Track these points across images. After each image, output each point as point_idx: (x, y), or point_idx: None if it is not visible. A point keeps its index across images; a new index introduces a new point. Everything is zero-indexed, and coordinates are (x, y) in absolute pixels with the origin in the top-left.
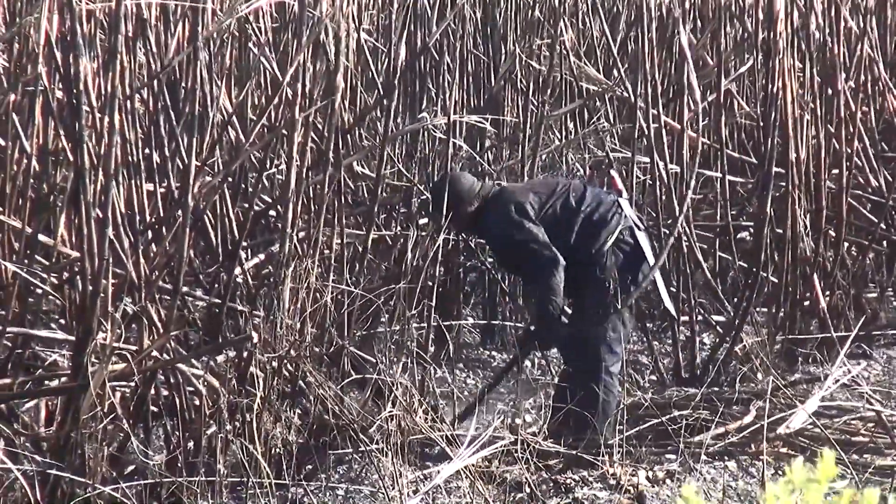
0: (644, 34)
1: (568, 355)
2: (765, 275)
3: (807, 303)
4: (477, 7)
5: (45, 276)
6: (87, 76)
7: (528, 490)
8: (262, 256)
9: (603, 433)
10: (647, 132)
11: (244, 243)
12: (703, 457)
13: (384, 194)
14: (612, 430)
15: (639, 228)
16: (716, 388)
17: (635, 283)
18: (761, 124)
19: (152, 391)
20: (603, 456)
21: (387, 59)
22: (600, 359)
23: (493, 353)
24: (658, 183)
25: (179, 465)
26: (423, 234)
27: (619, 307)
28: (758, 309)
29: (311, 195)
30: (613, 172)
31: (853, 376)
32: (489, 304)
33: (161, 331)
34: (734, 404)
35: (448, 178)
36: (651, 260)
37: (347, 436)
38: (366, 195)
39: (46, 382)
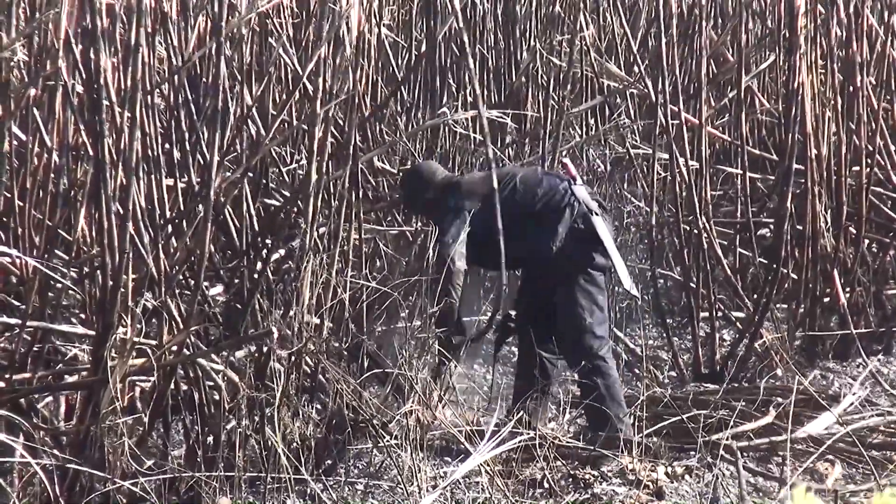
0: (665, 31)
1: (562, 352)
2: (785, 271)
3: (827, 299)
4: (498, 2)
5: (65, 270)
6: (107, 71)
7: (546, 485)
8: (282, 252)
9: (618, 416)
10: (667, 129)
11: (265, 238)
12: (723, 453)
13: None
14: (624, 414)
15: (594, 213)
16: (735, 384)
17: (594, 267)
18: (782, 121)
19: (172, 386)
20: (621, 444)
21: (407, 54)
22: (586, 347)
23: (513, 347)
24: (678, 179)
25: (198, 459)
26: None
27: (590, 292)
28: (778, 305)
29: (332, 190)
30: (566, 160)
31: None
32: (508, 299)
33: (181, 326)
34: (754, 402)
35: (412, 166)
36: (609, 244)
37: (366, 431)
38: (386, 190)
39: (66, 377)
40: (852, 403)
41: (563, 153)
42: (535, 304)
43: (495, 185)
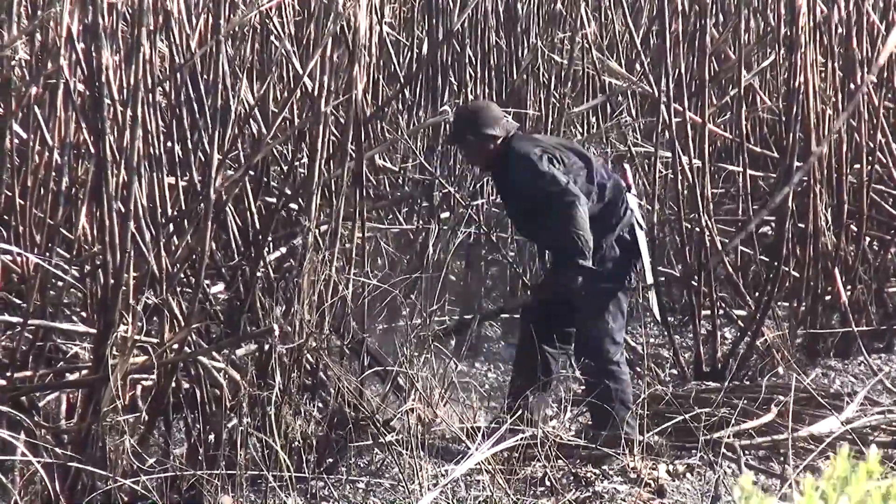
0: (667, 28)
1: (577, 351)
2: (786, 269)
3: (828, 297)
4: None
5: (66, 268)
6: (108, 69)
7: (548, 484)
8: (283, 250)
9: (626, 422)
10: (669, 126)
11: (266, 237)
12: (724, 451)
13: (406, 188)
14: (633, 418)
15: (640, 227)
16: (737, 383)
17: (628, 279)
18: (783, 119)
19: (173, 384)
20: (627, 448)
21: (409, 52)
22: (604, 351)
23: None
24: (680, 177)
25: (200, 458)
26: (445, 227)
27: (619, 299)
28: (779, 303)
29: (333, 188)
30: (626, 166)
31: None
32: (510, 297)
33: (182, 324)
34: (756, 400)
35: (474, 105)
36: (647, 261)
37: (367, 429)
38: (387, 188)
39: (68, 375)
40: (857, 409)
41: (624, 159)
42: (556, 299)
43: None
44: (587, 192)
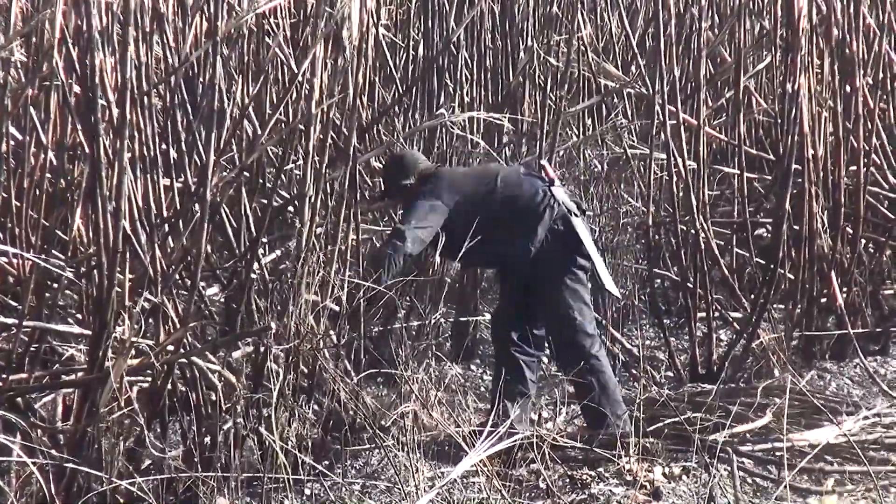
0: (662, 30)
1: (556, 354)
2: (782, 271)
3: (824, 299)
4: (495, 2)
5: (62, 270)
6: (103, 70)
7: (544, 486)
8: (279, 252)
9: (618, 417)
10: (664, 129)
11: (262, 239)
12: (720, 454)
13: None
14: (620, 409)
15: (574, 215)
16: (732, 385)
17: (577, 266)
18: (779, 121)
19: (169, 385)
20: (622, 448)
21: (405, 55)
22: (580, 346)
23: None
24: (675, 179)
25: (196, 459)
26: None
27: (577, 290)
28: (775, 305)
29: (329, 191)
30: (544, 162)
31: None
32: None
33: (178, 325)
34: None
35: (398, 152)
36: (589, 244)
37: (364, 431)
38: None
39: (63, 376)
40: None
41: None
42: (514, 306)
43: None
44: (491, 215)
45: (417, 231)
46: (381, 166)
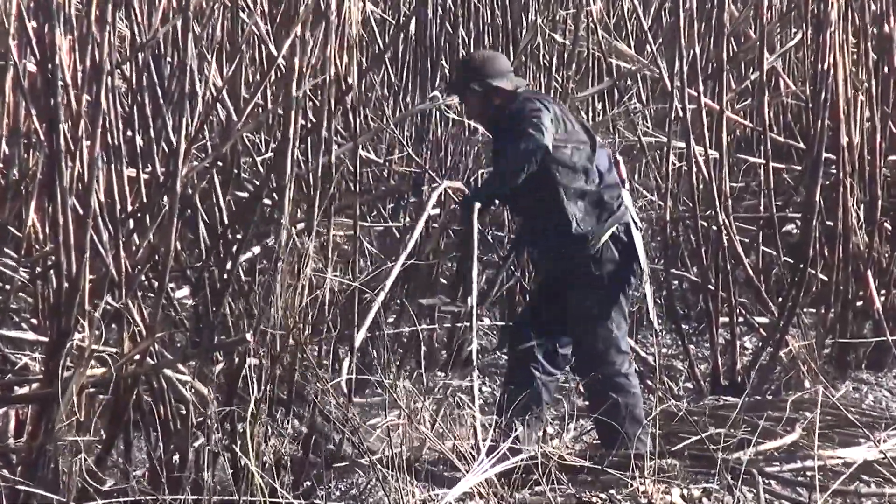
0: (681, 5)
1: (579, 366)
2: (813, 272)
3: (860, 303)
4: None
5: (15, 270)
6: (62, 50)
7: None
8: (256, 250)
9: (637, 438)
10: (683, 114)
11: (237, 235)
12: (744, 475)
13: (391, 181)
14: (646, 435)
15: (637, 227)
16: (758, 398)
17: (628, 282)
18: (810, 105)
19: (134, 399)
20: (637, 470)
21: (394, 32)
22: (609, 362)
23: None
24: (695, 170)
25: (163, 480)
26: (435, 225)
27: (622, 304)
28: (805, 309)
29: (311, 182)
30: (619, 158)
31: None
32: (507, 303)
33: (144, 332)
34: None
35: (482, 53)
36: (644, 263)
37: (349, 447)
38: (371, 182)
39: (16, 389)
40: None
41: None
42: (542, 315)
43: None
44: (585, 170)
45: (541, 142)
46: (462, 71)
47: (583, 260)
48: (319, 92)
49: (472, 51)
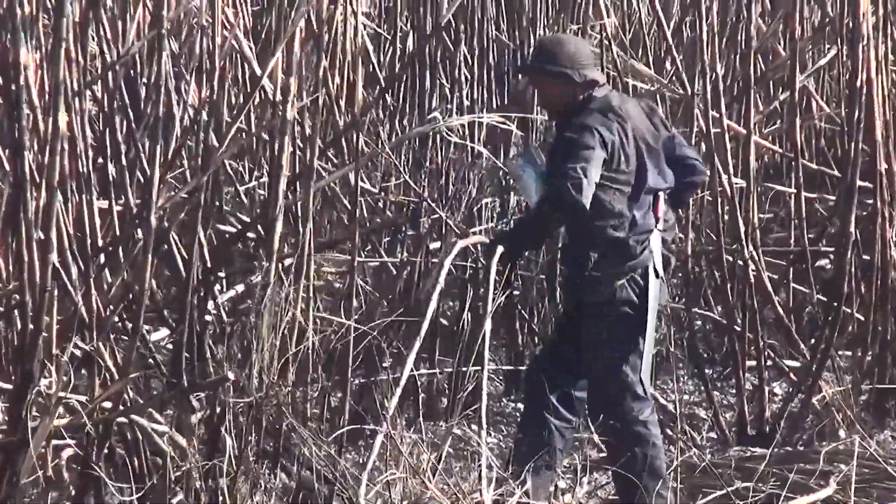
0: (703, 19)
1: (594, 412)
2: (848, 310)
3: None
4: None
5: None
6: (27, 69)
7: None
8: (239, 288)
9: (657, 493)
10: (706, 138)
11: (218, 272)
12: None
13: (388, 212)
14: (666, 489)
15: (658, 276)
16: (788, 449)
17: (644, 324)
18: (845, 128)
19: (106, 450)
20: None
21: (391, 49)
22: (627, 409)
23: (520, 405)
24: (719, 199)
25: None
26: (435, 261)
27: (639, 343)
28: (840, 352)
29: (300, 214)
30: (662, 193)
31: None
32: (514, 346)
33: (116, 377)
34: (812, 470)
35: (570, 37)
36: (651, 319)
37: None
38: (365, 213)
39: None
40: None
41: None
42: (561, 355)
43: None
44: (619, 215)
45: (582, 177)
46: (541, 52)
47: (596, 298)
48: (309, 114)
49: (550, 33)
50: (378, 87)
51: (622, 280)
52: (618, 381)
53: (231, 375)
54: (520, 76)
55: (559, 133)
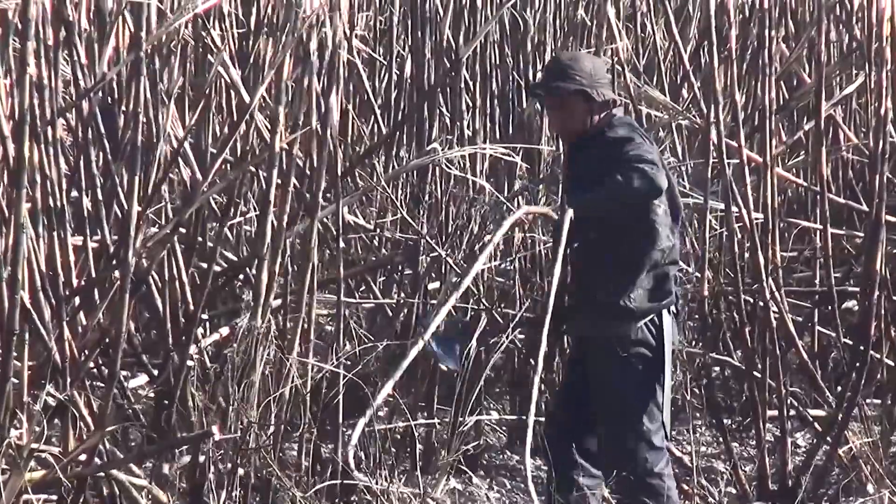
0: (721, 43)
1: (606, 463)
2: (877, 356)
3: None
4: (504, 6)
5: None
6: None
7: None
8: (223, 331)
9: None
10: (724, 171)
11: (202, 315)
12: None
13: (383, 250)
14: None
15: (672, 314)
16: None
17: (662, 369)
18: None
19: None
20: None
21: (387, 74)
22: (640, 459)
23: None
24: (738, 236)
25: None
26: (434, 302)
27: (654, 389)
28: (868, 400)
29: (290, 252)
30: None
31: None
32: (519, 394)
33: (92, 427)
34: None
35: (584, 55)
36: (668, 351)
37: None
38: (359, 251)
39: None
40: None
41: None
42: (576, 404)
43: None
44: (667, 237)
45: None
46: (553, 72)
47: (613, 332)
48: (300, 146)
49: (560, 52)
50: (373, 116)
51: (651, 316)
52: (634, 431)
53: (215, 430)
54: (527, 102)
55: (599, 154)
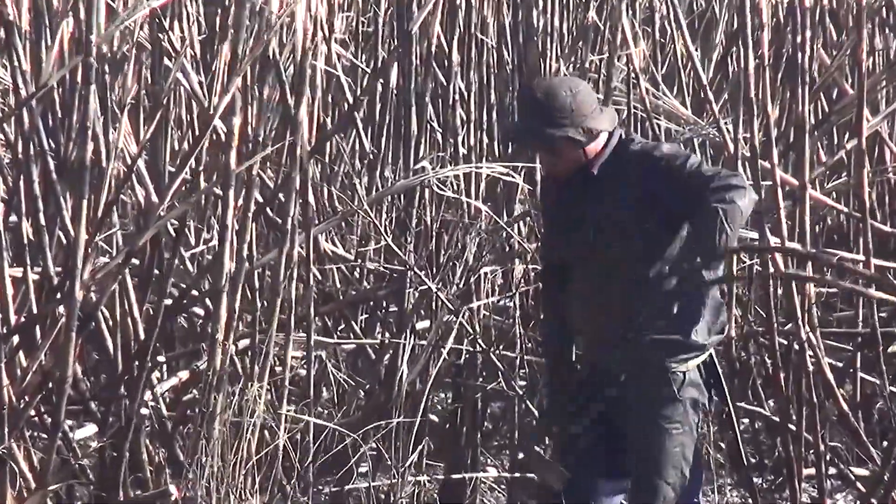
0: (751, 50)
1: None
2: None
3: None
4: (504, 7)
5: None
6: None
7: None
8: (182, 375)
9: None
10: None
11: (158, 356)
12: None
13: (365, 284)
14: None
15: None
16: None
17: (705, 415)
18: None
19: None
20: None
21: (371, 82)
22: None
23: None
24: (771, 269)
25: None
26: (423, 343)
27: (685, 444)
28: None
29: (257, 285)
30: None
31: None
32: (518, 447)
33: (33, 485)
34: None
35: (563, 79)
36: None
37: None
38: (337, 284)
39: None
40: None
41: None
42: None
43: None
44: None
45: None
46: (530, 103)
47: (667, 374)
48: (270, 164)
49: (535, 83)
50: (354, 130)
51: (711, 350)
52: (672, 483)
53: (173, 489)
54: (514, 143)
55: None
